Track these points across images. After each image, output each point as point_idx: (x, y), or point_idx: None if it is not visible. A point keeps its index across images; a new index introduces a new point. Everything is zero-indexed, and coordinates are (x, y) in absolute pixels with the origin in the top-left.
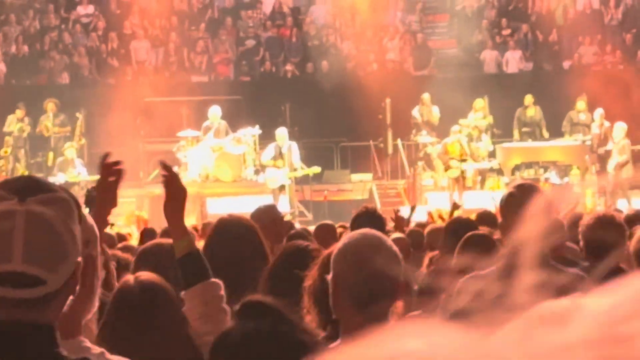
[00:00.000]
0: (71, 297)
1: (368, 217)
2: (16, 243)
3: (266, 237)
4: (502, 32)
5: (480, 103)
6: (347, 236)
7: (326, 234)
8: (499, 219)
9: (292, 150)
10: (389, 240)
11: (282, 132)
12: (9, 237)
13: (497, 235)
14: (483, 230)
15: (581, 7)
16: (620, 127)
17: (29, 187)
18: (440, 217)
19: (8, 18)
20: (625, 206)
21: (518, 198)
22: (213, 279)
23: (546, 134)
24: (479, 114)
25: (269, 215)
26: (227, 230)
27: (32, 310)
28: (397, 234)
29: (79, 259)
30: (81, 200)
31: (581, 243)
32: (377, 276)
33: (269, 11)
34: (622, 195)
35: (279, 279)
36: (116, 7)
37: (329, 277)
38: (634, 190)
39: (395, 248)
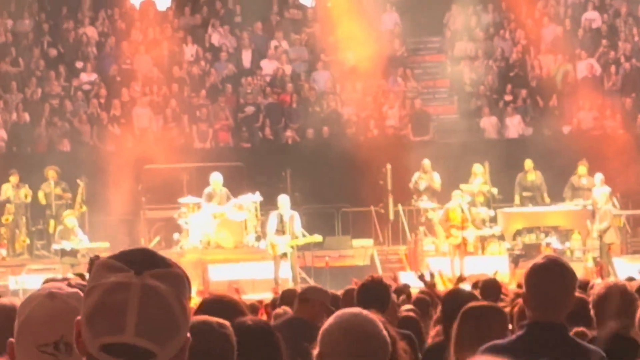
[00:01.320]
0: None
1: (374, 286)
2: (130, 315)
3: (306, 313)
4: (502, 98)
5: (479, 169)
6: (338, 315)
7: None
8: (522, 289)
9: (294, 219)
10: (381, 324)
11: (283, 200)
12: (123, 308)
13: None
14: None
15: (581, 72)
16: (602, 193)
17: (146, 261)
18: (444, 284)
19: (9, 86)
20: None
21: (543, 270)
22: None
23: (547, 199)
24: (479, 179)
25: (321, 296)
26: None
27: None
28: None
29: (188, 334)
30: (84, 268)
31: (592, 312)
32: None
33: (269, 78)
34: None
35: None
36: (117, 74)
37: (315, 352)
38: (636, 254)
39: (385, 334)
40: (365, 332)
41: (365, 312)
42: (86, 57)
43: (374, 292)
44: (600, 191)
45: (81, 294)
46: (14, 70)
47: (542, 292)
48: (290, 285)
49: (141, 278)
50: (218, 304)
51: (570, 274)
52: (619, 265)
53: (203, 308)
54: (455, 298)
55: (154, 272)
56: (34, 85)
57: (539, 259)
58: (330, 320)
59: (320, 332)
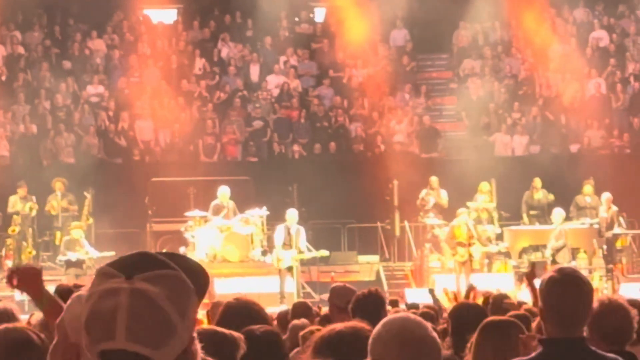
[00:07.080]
0: None
1: (370, 299)
2: (120, 321)
3: (334, 315)
4: (510, 115)
5: (486, 186)
6: (387, 321)
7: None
8: (538, 304)
9: (300, 233)
10: (430, 327)
11: (292, 214)
12: (113, 315)
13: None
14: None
15: (589, 91)
16: (558, 213)
17: (139, 265)
18: (455, 298)
19: (17, 97)
20: None
21: (560, 284)
22: None
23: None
24: (485, 196)
25: (347, 297)
26: (235, 315)
27: None
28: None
29: (194, 334)
30: (89, 279)
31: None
32: None
33: (277, 93)
34: None
35: None
36: (125, 87)
37: None
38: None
39: (435, 336)
40: (417, 335)
41: (413, 316)
42: (94, 69)
43: (370, 305)
44: (557, 211)
45: None
46: (22, 81)
47: (560, 306)
48: (295, 299)
49: (131, 282)
50: (242, 309)
51: (588, 286)
52: (624, 285)
53: (228, 312)
54: (463, 312)
55: (144, 275)
56: (42, 97)
57: (553, 273)
58: (378, 327)
59: (370, 339)
